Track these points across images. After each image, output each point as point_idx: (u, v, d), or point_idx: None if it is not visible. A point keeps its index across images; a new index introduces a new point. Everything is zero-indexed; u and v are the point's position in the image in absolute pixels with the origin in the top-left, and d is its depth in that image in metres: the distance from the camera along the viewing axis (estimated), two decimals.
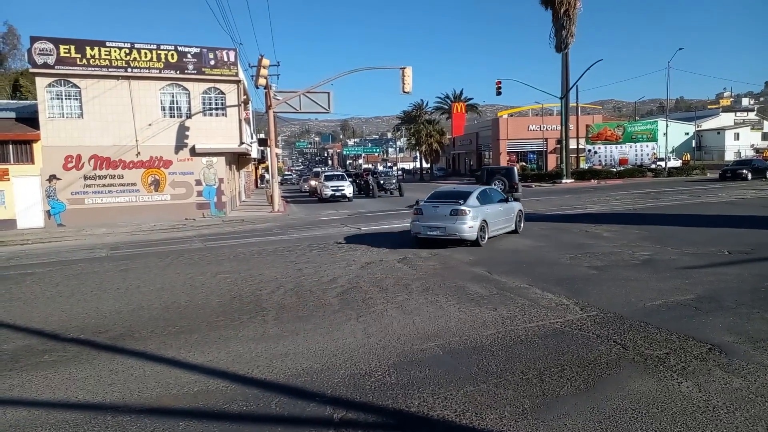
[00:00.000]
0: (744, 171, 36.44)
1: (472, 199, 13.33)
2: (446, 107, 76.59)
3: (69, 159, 23.49)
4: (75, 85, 23.36)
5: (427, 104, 76.78)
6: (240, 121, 26.78)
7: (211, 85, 25.74)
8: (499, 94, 39.59)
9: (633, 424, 3.99)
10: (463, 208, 12.85)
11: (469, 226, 12.65)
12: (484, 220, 13.06)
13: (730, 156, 65.42)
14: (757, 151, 66.63)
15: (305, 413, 4.47)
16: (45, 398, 5.06)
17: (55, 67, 22.82)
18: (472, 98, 77.25)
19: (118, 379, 5.40)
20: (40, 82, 23.04)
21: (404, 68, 26.12)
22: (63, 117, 23.43)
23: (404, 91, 26.39)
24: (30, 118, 23.62)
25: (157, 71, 24.45)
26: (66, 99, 23.38)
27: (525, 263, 10.46)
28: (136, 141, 24.36)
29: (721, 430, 3.86)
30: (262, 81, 25.40)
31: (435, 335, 6.28)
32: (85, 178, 23.86)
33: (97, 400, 4.95)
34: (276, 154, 32.10)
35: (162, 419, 4.46)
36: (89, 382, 5.38)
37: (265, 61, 24.90)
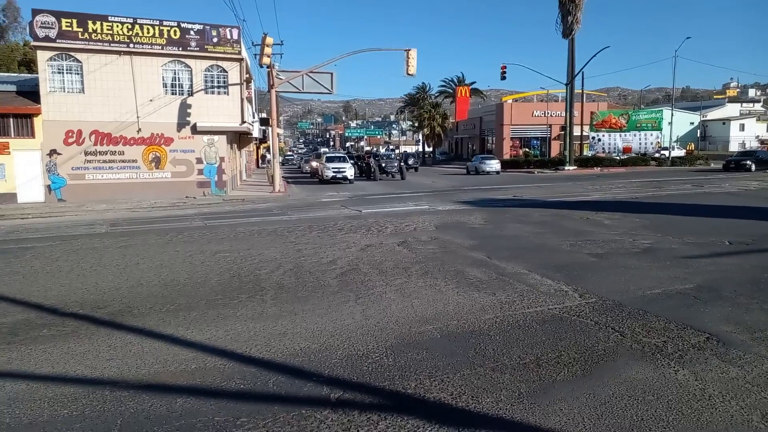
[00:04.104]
0: (748, 162, 36.23)
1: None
2: (450, 91, 76.37)
3: (70, 134, 23.43)
4: (76, 60, 23.21)
5: (430, 88, 76.59)
6: (242, 99, 26.65)
7: (214, 62, 25.57)
8: (503, 78, 39.29)
9: (628, 411, 4.00)
10: (497, 160, 42.64)
11: (498, 167, 41.24)
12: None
13: (734, 147, 65.13)
14: (761, 142, 66.33)
15: (302, 392, 4.49)
16: (44, 372, 5.07)
17: (57, 40, 22.66)
18: (475, 82, 77.22)
19: (116, 355, 5.41)
20: (42, 56, 22.88)
21: (409, 50, 25.92)
22: (64, 91, 23.32)
23: (408, 74, 26.20)
24: (31, 92, 23.52)
25: (160, 47, 24.27)
26: (67, 73, 23.24)
27: (525, 249, 10.45)
28: (137, 117, 24.26)
29: (717, 419, 3.87)
30: (266, 60, 25.21)
31: (433, 318, 6.28)
32: (86, 153, 23.82)
33: (95, 375, 4.97)
34: (277, 134, 31.98)
35: (159, 395, 4.47)
36: (88, 356, 5.39)
37: (269, 40, 24.70)
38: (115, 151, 24.32)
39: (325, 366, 4.99)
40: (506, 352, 5.19)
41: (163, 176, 25.27)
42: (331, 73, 30.12)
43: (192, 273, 9.08)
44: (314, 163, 42.45)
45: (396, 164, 39.67)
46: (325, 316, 6.48)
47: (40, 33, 22.39)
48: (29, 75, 29.34)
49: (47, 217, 19.06)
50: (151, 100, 24.40)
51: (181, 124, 25.23)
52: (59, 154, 23.39)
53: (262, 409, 4.19)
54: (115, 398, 4.43)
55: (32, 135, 23.09)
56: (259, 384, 4.67)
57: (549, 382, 4.54)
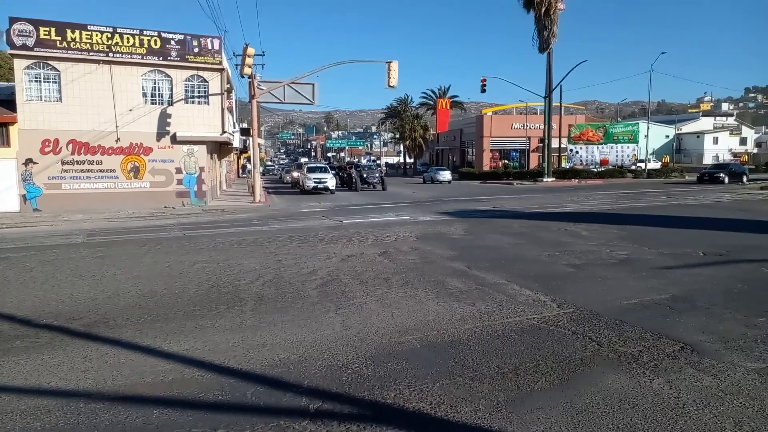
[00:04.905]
0: (721, 174, 37.02)
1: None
2: (431, 103, 76.92)
3: (46, 143, 23.07)
4: (54, 68, 22.91)
5: (412, 99, 76.98)
6: (222, 109, 26.52)
7: (194, 72, 25.43)
8: (483, 91, 39.71)
9: (605, 419, 4.05)
10: (448, 171, 49.04)
11: (449, 177, 47.24)
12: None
13: (708, 159, 66.61)
14: (734, 155, 67.94)
15: (281, 403, 4.46)
16: (16, 384, 4.97)
17: (34, 49, 22.35)
18: (457, 95, 77.79)
19: (91, 367, 5.32)
20: (18, 64, 22.55)
21: (390, 62, 26.07)
22: (41, 100, 22.97)
23: (389, 86, 26.34)
24: (7, 101, 23.11)
25: (140, 57, 24.06)
26: (45, 82, 22.92)
27: (504, 260, 10.53)
28: (116, 127, 23.99)
29: (691, 427, 3.94)
30: (247, 70, 25.18)
31: (413, 329, 6.29)
32: (63, 162, 23.46)
33: (69, 387, 4.88)
34: (258, 144, 31.88)
35: (136, 407, 4.41)
36: (62, 368, 5.30)
37: (250, 50, 24.67)
38: (93, 161, 23.99)
39: (305, 377, 4.97)
40: (485, 362, 5.22)
41: (142, 186, 24.98)
42: (313, 84, 30.16)
43: (170, 284, 8.98)
44: (295, 174, 42.29)
45: (377, 175, 39.73)
46: (304, 326, 6.46)
47: (17, 41, 22.08)
48: (5, 83, 28.90)
49: (22, 227, 18.71)
50: (130, 110, 24.16)
51: (161, 133, 25.00)
52: (35, 163, 23.00)
53: (240, 420, 4.16)
54: (90, 410, 4.36)
55: (8, 144, 22.68)
56: (237, 395, 4.63)
57: (527, 391, 4.58)
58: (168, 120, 24.99)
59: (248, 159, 54.53)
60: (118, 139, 24.15)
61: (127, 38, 23.70)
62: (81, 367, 5.31)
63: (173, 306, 7.54)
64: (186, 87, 25.35)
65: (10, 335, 6.38)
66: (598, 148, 49.26)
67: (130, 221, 20.09)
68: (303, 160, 74.26)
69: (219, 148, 33.11)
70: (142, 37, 23.99)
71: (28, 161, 22.91)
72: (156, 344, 5.95)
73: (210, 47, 25.37)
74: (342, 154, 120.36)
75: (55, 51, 22.61)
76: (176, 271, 9.98)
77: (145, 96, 24.72)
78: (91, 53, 23.15)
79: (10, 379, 5.08)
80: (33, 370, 5.27)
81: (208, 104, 25.92)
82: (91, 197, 23.88)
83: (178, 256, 11.77)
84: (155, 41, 24.23)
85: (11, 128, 22.60)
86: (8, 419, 4.24)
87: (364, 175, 39.33)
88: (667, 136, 74.63)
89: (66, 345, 5.99)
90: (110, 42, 23.41)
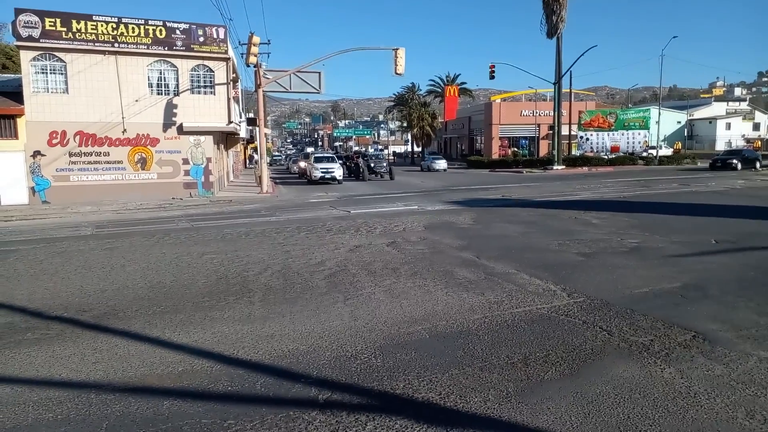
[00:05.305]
0: (734, 161, 36.53)
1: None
2: (439, 90, 76.43)
3: (54, 135, 23.17)
4: (60, 60, 22.96)
5: (419, 87, 76.35)
6: (229, 99, 26.52)
7: (200, 62, 25.40)
8: (492, 77, 39.36)
9: (615, 409, 4.02)
10: (444, 160, 50.62)
11: (445, 165, 49.23)
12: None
13: (721, 145, 65.74)
14: (747, 141, 67.06)
15: (290, 394, 4.46)
16: (28, 376, 5.01)
17: (40, 40, 22.40)
18: (465, 82, 77.28)
19: (101, 358, 5.35)
20: (25, 56, 22.63)
21: (397, 49, 25.90)
22: (48, 92, 23.06)
23: (396, 73, 26.18)
24: (14, 92, 23.20)
25: (145, 47, 24.07)
26: (51, 73, 22.99)
27: (513, 249, 10.47)
28: (123, 118, 24.05)
29: (702, 416, 3.90)
30: (252, 59, 25.12)
31: (422, 319, 6.27)
32: (70, 154, 23.57)
33: (80, 378, 4.91)
34: (265, 134, 31.86)
35: (146, 398, 4.43)
36: (73, 360, 5.33)
37: (256, 39, 24.60)
38: (100, 152, 24.09)
39: (314, 367, 4.96)
40: (494, 352, 5.20)
41: (149, 177, 25.07)
42: (319, 73, 30.05)
43: (178, 275, 9.01)
44: (302, 164, 42.26)
45: (385, 164, 39.61)
46: (313, 317, 6.45)
47: (23, 33, 22.12)
48: (12, 75, 28.99)
49: (31, 219, 18.83)
50: (136, 101, 24.20)
51: (167, 124, 25.04)
52: (43, 155, 23.12)
53: (249, 410, 4.16)
54: (100, 401, 4.38)
55: (15, 136, 22.79)
56: (246, 386, 4.63)
57: (537, 381, 4.55)
58: (174, 110, 25.01)
59: (255, 149, 54.62)
60: (125, 130, 24.22)
61: (132, 28, 23.68)
62: (91, 359, 5.33)
63: (182, 297, 7.57)
64: (192, 77, 25.35)
65: (21, 327, 6.42)
66: (608, 134, 48.85)
67: (138, 213, 20.18)
68: (310, 149, 74.40)
69: (226, 139, 33.15)
70: (147, 27, 23.97)
71: (36, 153, 23.03)
72: (165, 335, 5.97)
73: (215, 36, 25.32)
74: (349, 143, 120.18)
75: (60, 42, 22.65)
76: (184, 263, 10.01)
77: (151, 86, 24.75)
78: (96, 44, 23.18)
79: (22, 371, 5.12)
80: (44, 362, 5.30)
81: (214, 94, 25.92)
82: (99, 189, 24.01)
83: (187, 247, 11.80)
84: (160, 31, 24.20)
85: (19, 120, 22.71)
86: (20, 410, 4.27)
87: (372, 165, 39.22)
88: (679, 122, 73.80)
89: (76, 337, 6.02)
90: (115, 32, 23.41)
